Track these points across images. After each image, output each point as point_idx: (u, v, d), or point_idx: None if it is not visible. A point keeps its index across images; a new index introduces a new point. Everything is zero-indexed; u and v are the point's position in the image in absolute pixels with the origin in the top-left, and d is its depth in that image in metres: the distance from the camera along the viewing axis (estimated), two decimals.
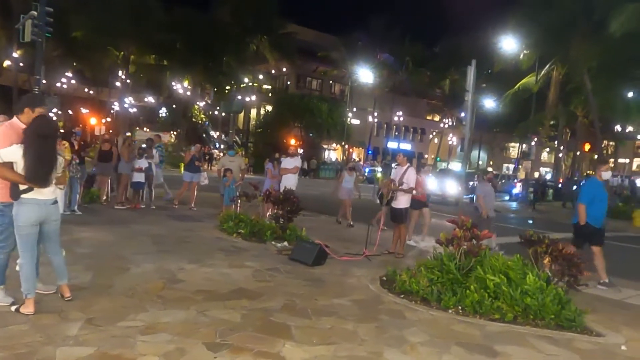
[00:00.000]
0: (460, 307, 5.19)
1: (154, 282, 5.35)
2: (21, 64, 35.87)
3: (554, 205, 25.30)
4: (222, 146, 42.84)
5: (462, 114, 26.99)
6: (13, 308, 4.09)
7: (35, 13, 15.51)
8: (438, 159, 52.82)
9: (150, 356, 3.49)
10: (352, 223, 11.15)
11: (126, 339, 3.74)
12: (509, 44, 27.48)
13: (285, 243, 7.97)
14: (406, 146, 50.00)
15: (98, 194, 11.39)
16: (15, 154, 3.92)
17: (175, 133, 45.20)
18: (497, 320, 4.97)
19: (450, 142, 54.12)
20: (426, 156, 56.13)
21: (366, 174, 34.64)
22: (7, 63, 39.50)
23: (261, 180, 12.32)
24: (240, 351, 3.71)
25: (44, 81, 18.25)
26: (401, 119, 49.09)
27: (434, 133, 56.77)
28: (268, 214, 9.44)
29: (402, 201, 8.12)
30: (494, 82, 36.32)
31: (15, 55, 34.56)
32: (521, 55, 29.62)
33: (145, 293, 4.92)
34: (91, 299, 4.54)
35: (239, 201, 9.94)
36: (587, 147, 36.38)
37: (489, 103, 36.69)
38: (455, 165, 46.42)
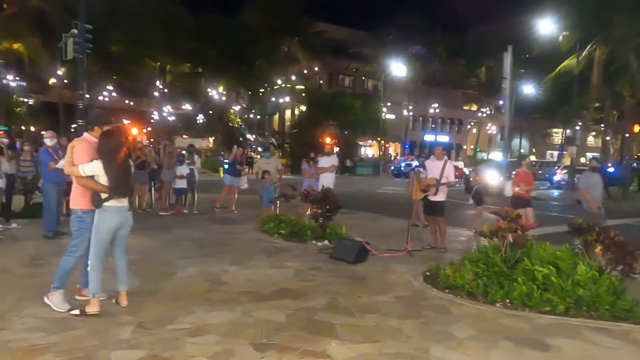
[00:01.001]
0: (507, 301, 5.06)
1: (200, 285, 5.47)
2: (65, 81, 37.52)
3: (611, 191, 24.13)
4: (259, 148, 43.36)
5: (501, 102, 26.20)
6: (77, 311, 4.27)
7: (75, 31, 16.16)
8: (477, 149, 51.63)
9: (199, 357, 3.57)
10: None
11: (175, 341, 3.84)
12: (547, 27, 26.47)
13: (326, 242, 7.98)
14: (443, 138, 49.17)
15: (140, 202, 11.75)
16: (96, 169, 4.28)
17: (212, 138, 46.11)
18: (547, 312, 4.81)
19: (489, 132, 52.77)
20: (465, 147, 54.99)
21: (402, 168, 34.30)
22: (52, 80, 41.40)
23: (299, 180, 12.39)
24: (287, 350, 3.74)
25: (87, 95, 19.01)
26: (437, 110, 48.30)
27: (472, 123, 55.50)
28: (307, 213, 9.49)
29: (440, 194, 7.98)
30: (532, 67, 35.09)
31: (59, 72, 36.17)
32: (560, 37, 28.44)
33: (192, 296, 5.04)
34: (141, 303, 4.69)
35: (278, 202, 10.04)
36: (636, 128, 34.65)
37: (528, 89, 35.52)
38: (496, 155, 45.25)
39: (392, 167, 38.45)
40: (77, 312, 4.27)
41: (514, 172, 9.82)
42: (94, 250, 4.37)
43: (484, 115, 52.26)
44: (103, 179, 4.29)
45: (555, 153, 49.12)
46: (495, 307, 5.01)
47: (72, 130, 29.02)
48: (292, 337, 4.03)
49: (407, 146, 47.87)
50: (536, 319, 4.69)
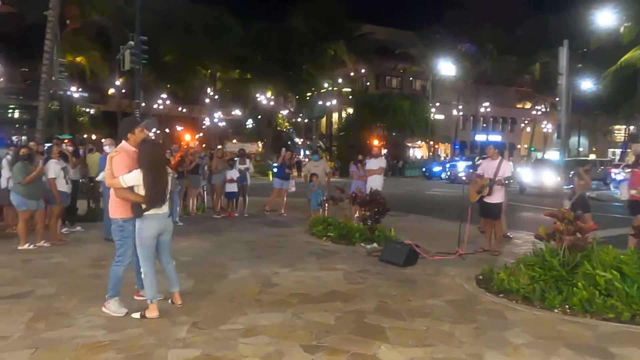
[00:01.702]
0: (567, 306, 4.83)
1: (251, 286, 5.59)
2: (123, 91, 39.44)
3: None
4: (307, 152, 43.75)
5: (557, 99, 25.11)
6: (138, 315, 4.43)
7: (132, 43, 16.95)
8: (532, 148, 49.69)
9: (251, 358, 3.64)
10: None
11: (228, 342, 3.94)
12: (606, 18, 25.14)
13: (375, 244, 7.93)
14: (496, 137, 47.60)
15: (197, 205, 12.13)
16: (136, 179, 4.35)
17: (261, 142, 46.96)
18: (611, 319, 4.56)
19: (544, 130, 50.62)
20: (519, 146, 53.06)
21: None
22: (111, 91, 43.62)
23: (347, 183, 12.39)
24: (337, 353, 3.75)
25: (143, 104, 19.88)
26: (488, 109, 46.85)
27: (526, 122, 53.46)
28: (356, 215, 9.47)
29: (496, 196, 7.73)
30: (591, 61, 33.36)
31: (117, 83, 38.04)
32: (621, 29, 26.93)
33: (244, 297, 5.15)
34: (195, 304, 4.84)
35: (327, 205, 10.08)
36: None
37: (586, 84, 33.83)
38: (552, 154, 43.36)
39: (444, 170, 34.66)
40: (137, 315, 4.43)
41: (571, 172, 9.32)
42: (142, 258, 4.48)
43: (539, 113, 50.18)
44: (142, 189, 4.35)
45: (618, 151, 46.38)
46: (554, 312, 4.80)
47: None
48: (341, 339, 4.03)
49: (457, 147, 46.76)
50: (599, 326, 4.46)
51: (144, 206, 4.37)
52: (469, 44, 42.17)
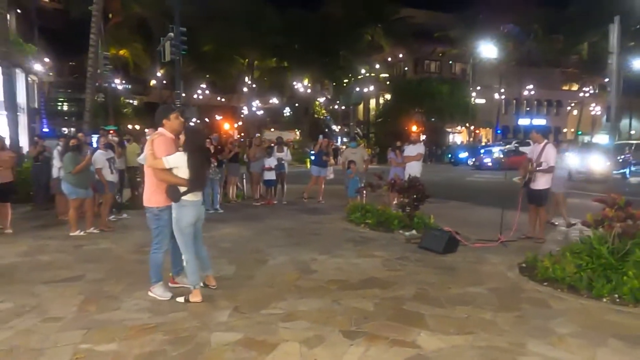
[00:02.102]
0: (616, 296, 4.64)
1: (290, 272, 5.66)
2: (164, 82, 40.43)
3: None
4: (345, 139, 43.62)
5: (606, 80, 23.91)
6: (182, 299, 4.56)
7: (172, 35, 17.31)
8: (579, 132, 47.67)
9: (292, 342, 3.70)
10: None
11: (269, 326, 4.01)
12: None
13: (414, 231, 7.85)
14: (540, 121, 45.97)
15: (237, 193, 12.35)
16: (179, 161, 4.40)
17: (299, 130, 47.16)
18: None
19: (592, 113, 48.41)
20: (565, 130, 51.02)
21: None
22: (153, 82, 44.78)
23: (385, 170, 12.29)
24: (376, 339, 3.76)
25: (183, 94, 20.32)
26: (532, 92, 45.16)
27: (572, 104, 51.27)
28: (394, 202, 9.39)
29: (541, 182, 7.49)
30: None
31: (158, 74, 39.01)
32: None
33: (283, 283, 5.23)
34: (236, 289, 4.95)
35: (364, 192, 10.04)
36: None
37: (639, 64, 32.02)
38: (601, 138, 41.46)
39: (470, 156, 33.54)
40: (182, 299, 4.56)
41: (624, 156, 8.92)
42: (184, 245, 4.55)
43: (587, 95, 47.97)
44: (182, 172, 4.38)
45: None
46: (602, 302, 4.63)
47: None
48: (381, 326, 4.03)
49: (499, 132, 45.47)
50: None
51: (182, 190, 4.40)
52: (513, 25, 40.62)
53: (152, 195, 4.56)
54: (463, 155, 34.78)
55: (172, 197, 4.43)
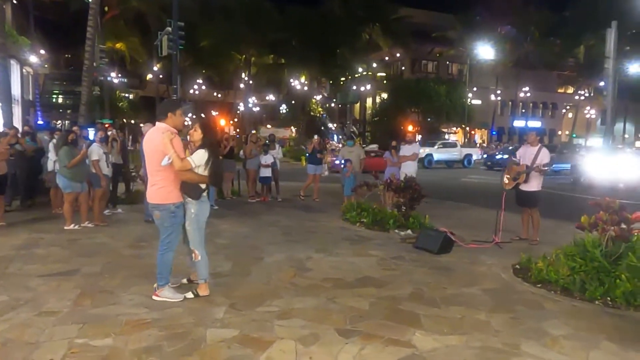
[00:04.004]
0: (609, 299, 4.69)
1: (286, 270, 5.67)
2: (160, 76, 40.26)
3: None
4: (340, 137, 43.62)
5: (602, 83, 24.01)
6: (191, 294, 4.55)
7: (169, 29, 17.23)
8: (574, 135, 47.95)
9: (287, 340, 3.71)
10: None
11: (265, 323, 4.02)
12: None
13: (409, 231, 7.88)
14: (535, 124, 46.17)
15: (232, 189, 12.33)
16: (202, 159, 4.40)
17: (295, 128, 47.14)
18: None
19: (587, 116, 48.69)
20: (560, 133, 51.30)
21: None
22: (149, 76, 44.58)
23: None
24: (371, 338, 3.77)
25: (179, 89, 20.25)
26: (528, 94, 45.38)
27: (568, 107, 51.55)
28: (390, 202, 9.41)
29: (533, 184, 7.53)
30: (639, 44, 31.80)
31: (155, 68, 38.84)
32: None
33: (279, 280, 5.24)
34: (232, 286, 4.96)
35: (364, 193, 10.04)
36: None
37: (635, 68, 32.26)
38: (595, 141, 41.71)
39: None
40: (191, 295, 4.56)
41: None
42: (198, 242, 4.54)
43: (582, 98, 48.26)
44: (201, 169, 4.41)
45: None
46: (594, 304, 4.67)
47: None
48: (376, 325, 4.05)
49: (494, 133, 45.67)
50: None
51: (202, 186, 4.45)
52: (510, 27, 40.78)
53: (170, 193, 4.40)
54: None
55: (193, 194, 4.43)
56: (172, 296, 4.53)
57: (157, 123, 4.48)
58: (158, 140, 4.28)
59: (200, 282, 4.63)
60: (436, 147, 31.11)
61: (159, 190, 4.40)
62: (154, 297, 4.52)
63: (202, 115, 50.65)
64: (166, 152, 4.23)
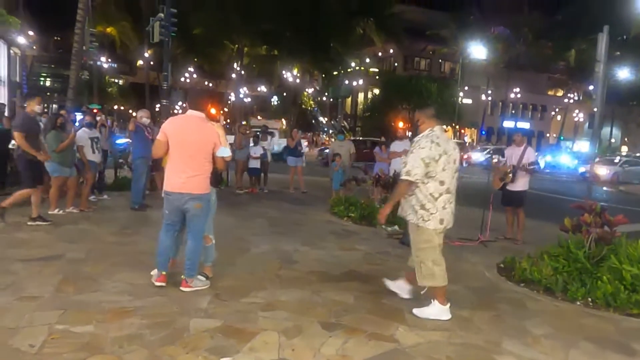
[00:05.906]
0: (589, 299, 4.76)
1: (272, 262, 5.66)
2: (151, 63, 39.76)
3: None
4: (331, 131, 43.64)
5: (591, 87, 24.25)
6: (203, 278, 4.63)
7: (162, 15, 17.00)
8: (561, 137, 48.49)
9: (270, 331, 3.71)
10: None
11: (249, 314, 4.02)
12: None
13: (396, 227, 7.91)
14: (524, 125, 46.61)
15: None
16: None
17: (286, 120, 46.98)
18: (635, 315, 4.48)
19: (575, 119, 49.25)
20: (548, 135, 51.85)
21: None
22: (140, 62, 44.03)
23: (370, 164, 12.32)
24: (354, 332, 3.79)
25: (170, 77, 20.02)
26: (518, 95, 45.73)
27: (557, 110, 52.07)
28: (378, 197, 9.44)
29: (520, 183, 7.61)
30: (630, 49, 32.18)
31: (146, 55, 38.36)
32: None
33: (264, 272, 5.23)
34: (217, 276, 4.92)
35: (349, 185, 10.07)
36: None
37: (624, 73, 32.67)
38: (582, 145, 42.27)
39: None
40: (203, 278, 4.62)
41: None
42: (210, 228, 4.76)
43: (571, 101, 48.78)
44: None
45: None
46: (576, 305, 4.74)
47: (157, 110, 30.81)
48: (360, 319, 4.06)
49: (483, 132, 45.99)
50: (622, 321, 4.39)
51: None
52: (503, 28, 41.01)
53: (208, 182, 4.44)
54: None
55: (215, 182, 4.61)
56: (202, 284, 4.57)
57: (192, 112, 4.43)
58: (211, 131, 4.37)
59: (206, 265, 4.79)
60: None
61: (204, 180, 4.40)
62: (184, 289, 4.41)
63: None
64: (223, 143, 4.40)
